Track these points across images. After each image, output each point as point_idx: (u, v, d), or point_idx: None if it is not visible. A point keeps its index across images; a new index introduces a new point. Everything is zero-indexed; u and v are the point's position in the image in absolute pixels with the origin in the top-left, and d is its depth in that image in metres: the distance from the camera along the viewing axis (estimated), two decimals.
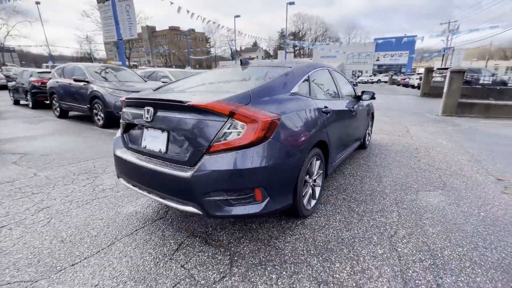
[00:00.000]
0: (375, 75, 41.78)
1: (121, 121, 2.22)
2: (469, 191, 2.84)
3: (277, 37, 71.61)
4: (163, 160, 1.84)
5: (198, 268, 1.68)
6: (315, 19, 74.40)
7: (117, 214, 2.38)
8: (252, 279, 1.57)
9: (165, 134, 1.82)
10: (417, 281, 1.56)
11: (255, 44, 79.46)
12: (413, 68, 44.93)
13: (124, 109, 2.15)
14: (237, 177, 1.59)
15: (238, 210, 1.64)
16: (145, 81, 7.51)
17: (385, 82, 39.06)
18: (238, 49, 65.24)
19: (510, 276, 1.61)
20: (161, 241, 1.96)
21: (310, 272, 1.63)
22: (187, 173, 1.62)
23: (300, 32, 72.35)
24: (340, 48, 41.56)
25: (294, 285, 1.52)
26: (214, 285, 1.53)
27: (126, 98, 2.10)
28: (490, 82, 10.80)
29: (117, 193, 2.81)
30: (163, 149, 1.83)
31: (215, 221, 2.22)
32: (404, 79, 26.47)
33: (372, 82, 37.99)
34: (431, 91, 13.46)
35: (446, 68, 14.07)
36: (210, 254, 1.82)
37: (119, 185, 3.01)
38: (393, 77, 33.16)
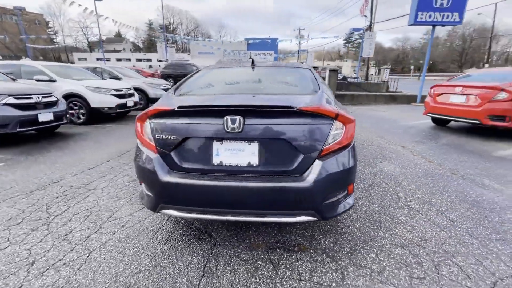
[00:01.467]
0: None
1: (159, 136, 1.68)
2: (399, 157, 4.03)
3: (146, 28, 65.04)
4: (254, 174, 1.61)
5: (313, 274, 1.66)
6: (185, 14, 72.76)
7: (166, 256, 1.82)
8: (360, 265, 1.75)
9: (254, 145, 1.60)
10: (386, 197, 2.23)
11: (119, 35, 68.96)
12: None
13: (175, 121, 1.66)
14: (346, 176, 1.67)
15: (342, 206, 1.72)
16: (14, 80, 5.36)
17: None
18: (97, 39, 54.41)
19: (424, 190, 2.57)
20: (255, 266, 1.72)
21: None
22: (305, 182, 1.54)
23: (171, 26, 69.04)
24: (215, 44, 43.10)
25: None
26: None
27: (181, 107, 1.62)
28: (350, 78, 14.52)
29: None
30: (254, 161, 1.60)
31: (273, 228, 2.13)
32: None
33: None
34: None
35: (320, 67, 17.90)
36: (307, 258, 1.80)
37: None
38: None
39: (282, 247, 1.92)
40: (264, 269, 1.70)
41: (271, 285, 1.57)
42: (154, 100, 8.95)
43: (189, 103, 1.65)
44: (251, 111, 1.57)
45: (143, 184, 1.86)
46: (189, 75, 2.48)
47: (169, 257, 1.81)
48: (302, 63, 3.88)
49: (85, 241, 1.99)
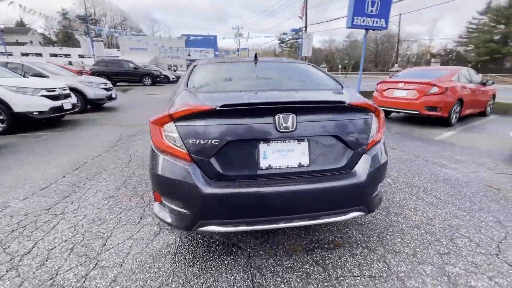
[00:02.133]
0: None
1: (194, 141, 1.41)
2: None
3: (58, 18, 55.54)
4: (305, 175, 1.51)
5: (361, 268, 1.66)
6: (109, 5, 64.93)
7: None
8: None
9: (304, 144, 1.49)
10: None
11: (22, 24, 57.13)
12: None
13: (215, 122, 1.41)
14: (385, 167, 1.72)
15: (379, 199, 1.77)
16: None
17: None
18: None
19: (405, 175, 3.00)
20: (304, 271, 1.62)
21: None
22: (359, 178, 1.51)
23: (92, 17, 60.72)
24: (150, 40, 39.91)
25: None
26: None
27: (225, 105, 1.37)
28: None
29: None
30: (305, 161, 1.50)
31: (299, 229, 2.06)
32: None
33: None
34: None
35: None
36: (347, 254, 1.80)
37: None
38: None
39: (318, 247, 1.88)
40: (315, 272, 1.63)
41: (330, 287, 1.52)
42: (94, 102, 7.73)
43: (232, 100, 1.43)
44: (302, 108, 1.46)
45: (167, 200, 1.55)
46: (189, 71, 2.18)
47: (207, 280, 1.57)
48: None
49: (85, 281, 1.55)
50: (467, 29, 47.24)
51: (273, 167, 1.47)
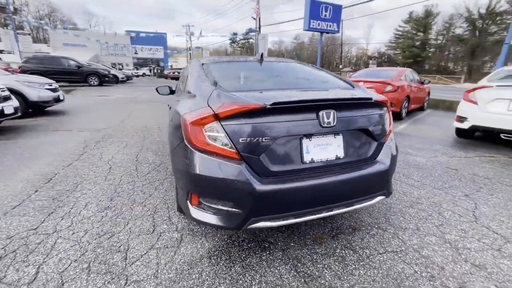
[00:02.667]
0: (137, 68, 41.37)
1: (244, 140, 1.40)
2: None
3: None
4: (341, 166, 1.64)
5: (383, 245, 1.88)
6: None
7: None
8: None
9: (339, 138, 1.62)
10: None
11: None
12: (171, 65, 49.90)
13: (265, 119, 1.44)
14: (398, 153, 1.96)
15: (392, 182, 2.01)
16: None
17: (149, 75, 40.33)
18: None
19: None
20: (339, 255, 1.74)
21: None
22: (384, 165, 1.71)
23: (10, 6, 51.76)
24: (91, 35, 35.98)
25: None
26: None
27: (276, 103, 1.39)
28: None
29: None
30: (341, 154, 1.62)
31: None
32: (175, 73, 29.19)
33: (138, 76, 37.58)
34: None
35: None
36: (367, 236, 2.00)
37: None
38: (164, 71, 34.55)
39: (341, 232, 2.04)
40: (348, 255, 1.78)
41: (366, 266, 1.68)
42: (38, 105, 6.71)
43: (281, 99, 1.47)
44: (340, 105, 1.58)
45: (212, 201, 1.51)
46: (200, 70, 2.11)
47: (253, 277, 1.58)
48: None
49: None
50: (394, 35, 54.15)
51: (315, 161, 1.57)
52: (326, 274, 1.61)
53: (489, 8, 39.83)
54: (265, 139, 1.43)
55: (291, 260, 1.73)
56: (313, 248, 1.85)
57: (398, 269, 1.65)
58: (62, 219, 2.18)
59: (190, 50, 42.88)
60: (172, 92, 3.80)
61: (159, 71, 36.61)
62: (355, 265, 1.69)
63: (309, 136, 1.54)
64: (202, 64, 2.27)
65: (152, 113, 7.48)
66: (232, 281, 1.55)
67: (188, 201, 1.64)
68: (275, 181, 1.46)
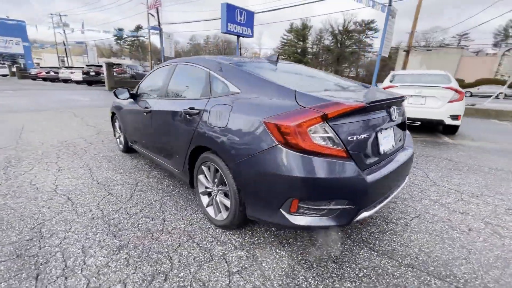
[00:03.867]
0: None
1: (352, 138, 1.45)
2: None
3: None
4: (395, 153, 1.93)
5: (394, 235, 2.33)
6: None
7: None
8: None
9: (391, 130, 1.89)
10: None
11: None
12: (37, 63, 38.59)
13: (364, 117, 1.56)
14: None
15: None
16: None
17: (5, 75, 30.40)
18: None
19: None
20: (368, 241, 2.03)
21: None
22: (411, 149, 2.11)
23: None
24: None
25: None
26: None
27: (370, 103, 1.46)
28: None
29: None
30: (393, 143, 1.91)
31: None
32: (50, 72, 22.97)
33: None
34: (117, 84, 14.29)
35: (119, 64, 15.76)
36: (376, 228, 2.41)
37: None
38: (30, 70, 26.29)
39: (356, 225, 2.35)
40: (376, 240, 2.11)
41: (400, 244, 2.05)
42: None
43: (372, 98, 1.57)
44: (397, 102, 1.86)
45: (321, 203, 1.48)
46: (237, 70, 1.92)
47: (351, 267, 1.66)
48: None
49: None
50: (281, 43, 62.00)
51: (385, 151, 1.79)
52: (391, 242, 1.87)
53: (344, 26, 51.70)
54: (362, 135, 1.54)
55: (364, 243, 1.90)
56: (366, 229, 2.08)
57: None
58: (66, 279, 1.53)
59: (65, 45, 34.73)
60: (132, 96, 3.20)
61: (19, 70, 27.95)
62: (383, 245, 2.03)
63: (381, 130, 1.75)
64: (231, 63, 2.08)
65: (56, 124, 5.85)
66: (341, 277, 1.57)
67: (282, 209, 1.53)
68: (371, 172, 1.59)
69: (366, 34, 52.58)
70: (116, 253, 1.76)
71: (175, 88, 2.61)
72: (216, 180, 2.00)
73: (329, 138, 1.44)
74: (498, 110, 8.81)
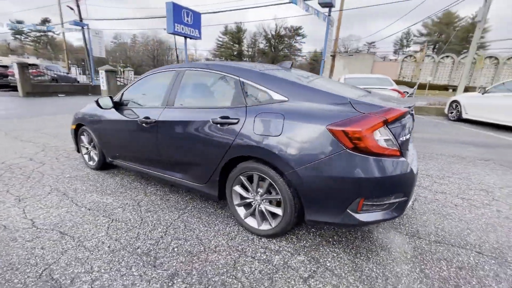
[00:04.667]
0: None
1: (402, 139, 1.64)
2: None
3: None
4: None
5: None
6: None
7: None
8: None
9: None
10: None
11: None
12: None
13: (404, 120, 1.73)
14: None
15: None
16: None
17: None
18: None
19: None
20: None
21: None
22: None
23: None
24: None
25: None
26: None
27: (407, 107, 1.68)
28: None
29: None
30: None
31: None
32: None
33: None
34: (35, 89, 11.75)
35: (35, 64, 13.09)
36: None
37: None
38: None
39: None
40: (399, 225, 2.45)
41: (419, 225, 2.42)
42: None
43: (406, 103, 1.79)
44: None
45: (384, 198, 1.64)
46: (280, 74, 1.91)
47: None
48: None
49: None
50: (217, 45, 61.82)
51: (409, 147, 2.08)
52: (412, 225, 2.20)
53: (276, 31, 54.92)
54: (405, 135, 1.77)
55: (393, 229, 2.16)
56: None
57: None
58: None
59: None
60: (115, 104, 2.85)
61: None
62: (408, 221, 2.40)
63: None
64: (261, 71, 2.07)
65: None
66: (397, 261, 1.77)
67: (349, 209, 1.64)
68: (412, 165, 1.83)
69: (295, 39, 57.22)
70: (170, 284, 1.56)
71: (188, 96, 2.41)
72: (260, 189, 1.96)
73: (389, 140, 1.62)
74: (416, 107, 10.87)
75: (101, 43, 16.72)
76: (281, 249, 1.89)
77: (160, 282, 1.57)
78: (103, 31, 17.56)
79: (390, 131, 1.62)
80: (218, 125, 2.01)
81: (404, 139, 1.75)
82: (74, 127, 3.48)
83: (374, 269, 1.70)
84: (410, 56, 36.78)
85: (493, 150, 4.87)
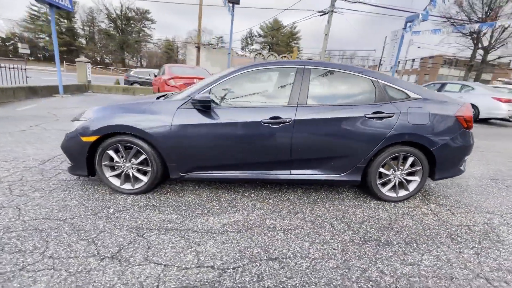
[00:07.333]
0: None
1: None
2: None
3: None
4: None
5: None
6: None
7: None
8: None
9: None
10: None
11: None
12: None
13: None
14: None
15: None
16: None
17: None
18: None
19: None
20: None
21: None
22: None
23: None
24: None
25: None
26: None
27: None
28: None
29: None
30: None
31: None
32: None
33: None
34: None
35: None
36: None
37: None
38: None
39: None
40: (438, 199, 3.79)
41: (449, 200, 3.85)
42: None
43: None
44: None
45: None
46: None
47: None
48: None
49: None
50: (29, 15, 44.96)
51: None
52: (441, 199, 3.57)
53: (122, 11, 47.38)
54: None
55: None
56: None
57: None
58: None
59: None
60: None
61: None
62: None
63: None
64: (362, 72, 2.54)
65: None
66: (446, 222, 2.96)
67: (460, 166, 2.62)
68: None
69: (144, 24, 51.80)
70: None
71: (321, 94, 2.49)
72: (402, 167, 2.54)
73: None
74: None
75: None
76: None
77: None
78: None
79: None
80: (374, 120, 2.36)
81: None
82: (93, 139, 2.30)
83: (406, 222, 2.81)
84: (260, 54, 43.61)
85: None
